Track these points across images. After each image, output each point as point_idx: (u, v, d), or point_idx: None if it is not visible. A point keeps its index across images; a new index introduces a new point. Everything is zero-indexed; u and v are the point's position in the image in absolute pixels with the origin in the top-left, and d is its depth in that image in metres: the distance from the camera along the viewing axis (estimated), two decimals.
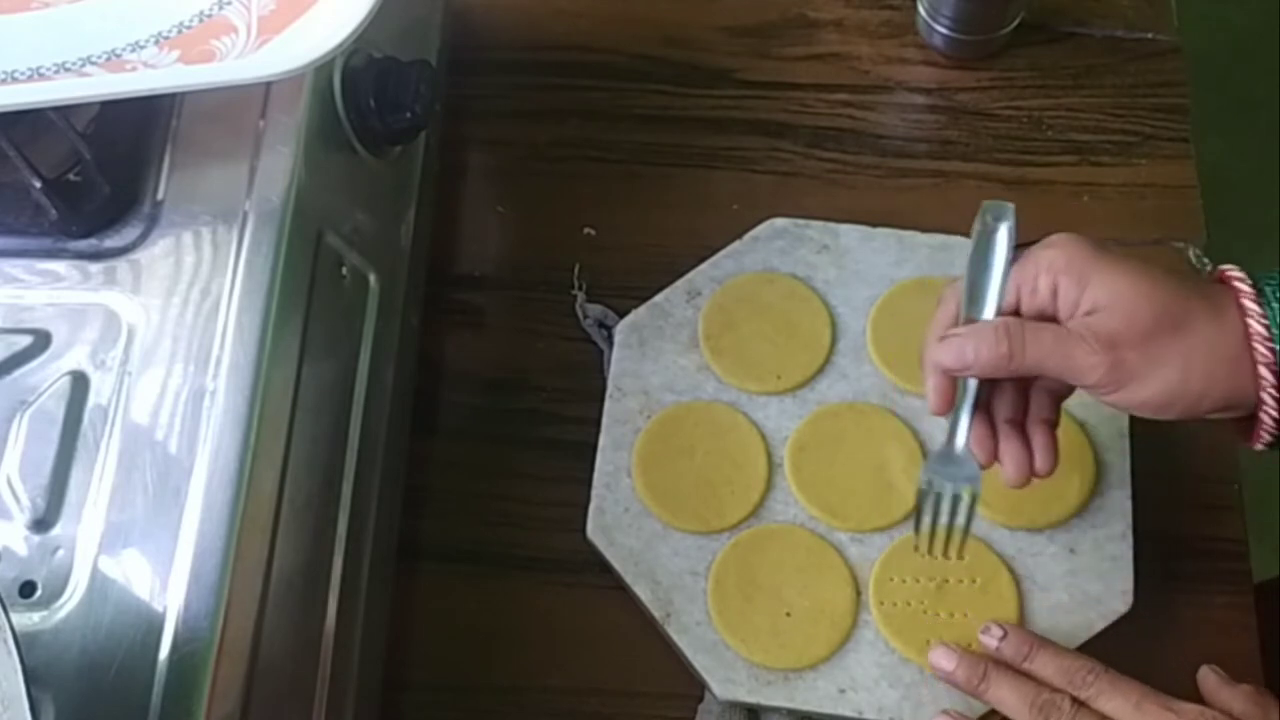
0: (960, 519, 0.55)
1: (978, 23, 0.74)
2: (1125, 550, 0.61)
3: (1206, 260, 0.70)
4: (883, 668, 0.59)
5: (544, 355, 0.69)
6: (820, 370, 0.65)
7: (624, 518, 0.62)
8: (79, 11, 0.55)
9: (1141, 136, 0.74)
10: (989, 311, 0.51)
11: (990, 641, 0.56)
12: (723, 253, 0.68)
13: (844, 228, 0.69)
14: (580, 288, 0.70)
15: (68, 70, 0.52)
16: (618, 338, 0.66)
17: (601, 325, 0.69)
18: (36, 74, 0.52)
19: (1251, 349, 0.49)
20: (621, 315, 0.67)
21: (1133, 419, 0.63)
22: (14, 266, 0.53)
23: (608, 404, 0.65)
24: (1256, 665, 0.61)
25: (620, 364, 0.66)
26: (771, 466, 0.63)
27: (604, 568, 0.62)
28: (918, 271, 0.67)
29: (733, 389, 0.65)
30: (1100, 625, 0.59)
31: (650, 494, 0.62)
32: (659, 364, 0.66)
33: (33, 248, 0.54)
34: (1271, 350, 0.49)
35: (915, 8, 0.76)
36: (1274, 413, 0.50)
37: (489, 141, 0.76)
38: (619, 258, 0.71)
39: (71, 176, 0.54)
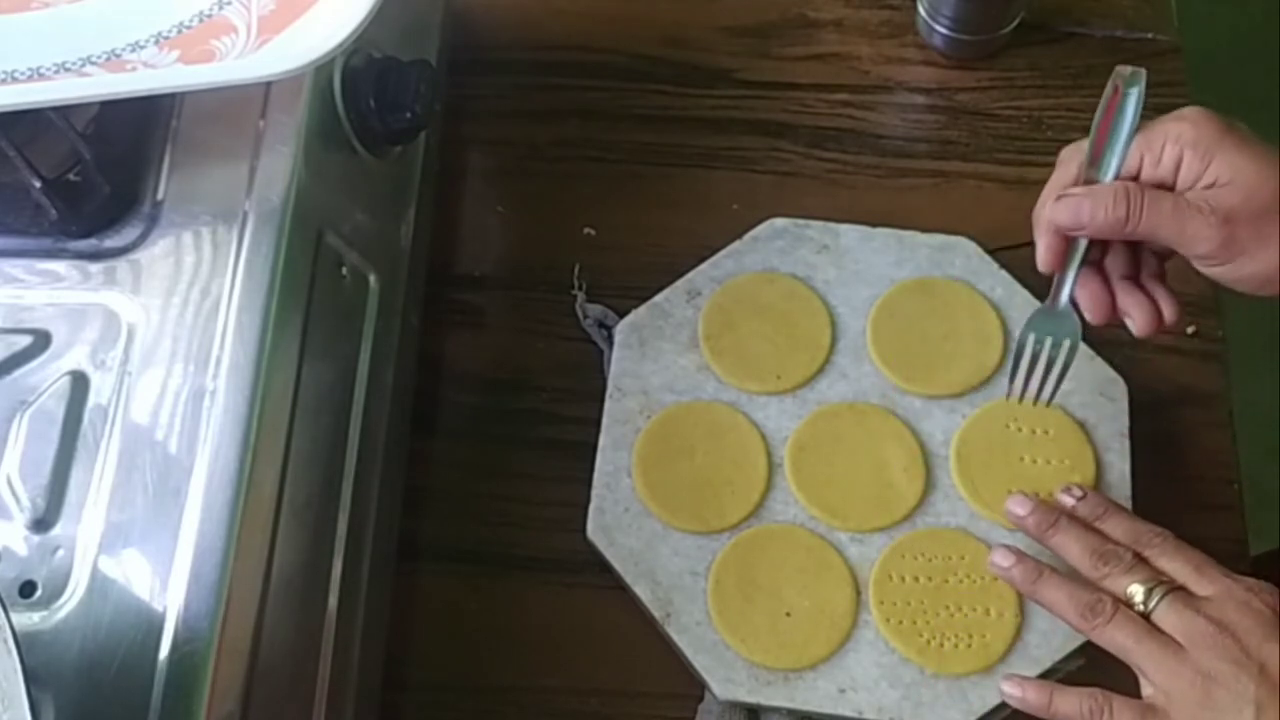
0: (1057, 369, 0.57)
1: (978, 23, 0.74)
2: None
3: None
4: (883, 668, 0.59)
5: (544, 355, 0.69)
6: (820, 370, 0.65)
7: (624, 518, 0.62)
8: (79, 11, 0.55)
9: None
10: (1109, 175, 0.53)
11: (1068, 499, 0.58)
12: (723, 253, 0.68)
13: (844, 228, 0.69)
14: (580, 288, 0.70)
15: (68, 70, 0.52)
16: (618, 338, 0.66)
17: (601, 325, 0.68)
18: (36, 74, 0.52)
19: None
20: (621, 315, 0.67)
21: (1132, 420, 0.63)
22: (14, 266, 0.53)
23: (608, 404, 0.65)
24: None
25: (620, 364, 0.66)
26: (771, 466, 0.63)
27: (604, 568, 0.62)
28: (918, 271, 0.67)
29: (733, 389, 0.65)
30: None
31: (650, 494, 0.62)
32: (659, 364, 0.66)
33: (33, 248, 0.54)
34: None
35: (915, 8, 0.76)
36: None
37: (489, 141, 0.76)
38: (619, 258, 0.71)
39: (71, 176, 0.54)
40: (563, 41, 0.78)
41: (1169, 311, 0.55)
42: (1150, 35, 0.77)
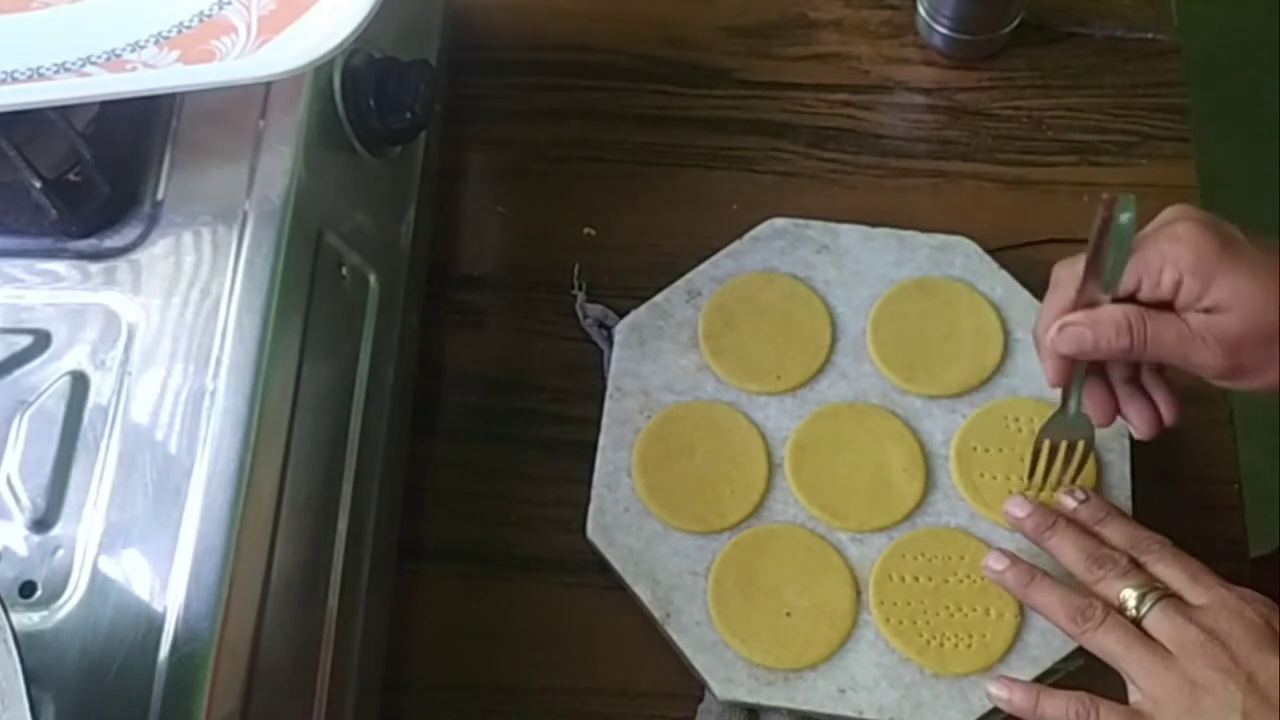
0: (1074, 465, 0.59)
1: (978, 23, 0.74)
2: None
3: None
4: (883, 668, 0.59)
5: (544, 355, 0.69)
6: (820, 370, 0.65)
7: (624, 518, 0.62)
8: (79, 11, 0.55)
9: (1141, 136, 0.74)
10: (1107, 298, 0.54)
11: (1070, 502, 0.58)
12: (723, 253, 0.68)
13: (844, 228, 0.69)
14: (580, 288, 0.70)
15: (68, 70, 0.52)
16: (618, 338, 0.66)
17: (601, 325, 0.68)
18: (36, 74, 0.52)
19: None
20: (621, 315, 0.67)
21: None
22: (14, 266, 0.53)
23: (608, 404, 0.65)
24: None
25: (620, 364, 0.66)
26: (771, 466, 0.63)
27: (604, 568, 0.62)
28: (918, 271, 0.67)
29: (733, 389, 0.65)
30: None
31: (650, 494, 0.62)
32: (659, 364, 0.66)
33: (33, 248, 0.54)
34: None
35: (915, 8, 0.76)
36: None
37: (489, 141, 0.76)
38: (619, 258, 0.71)
39: (71, 176, 0.54)
40: (563, 41, 0.78)
41: (1168, 414, 0.57)
42: (1150, 35, 0.77)
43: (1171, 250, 0.52)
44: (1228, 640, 0.50)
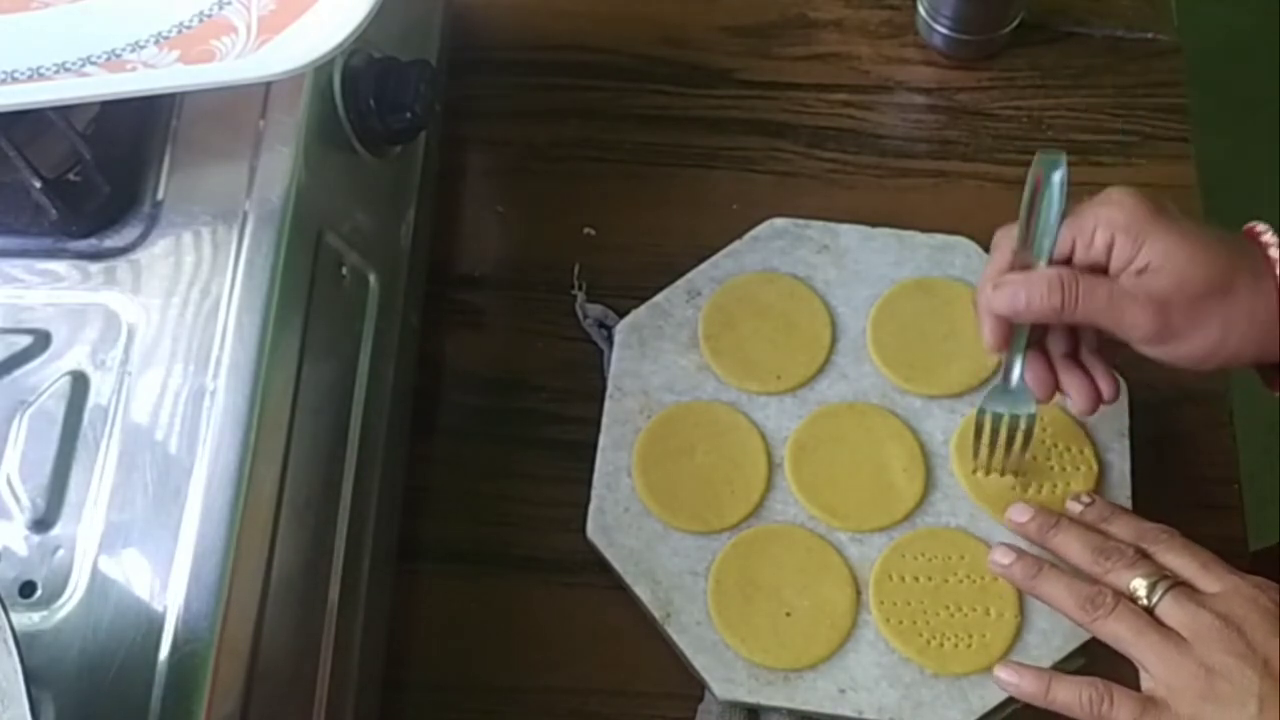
0: (1016, 444, 0.59)
1: (978, 23, 0.74)
2: None
3: None
4: (883, 668, 0.59)
5: (544, 355, 0.69)
6: (820, 370, 0.65)
7: (624, 518, 0.62)
8: (79, 11, 0.55)
9: (1141, 136, 0.74)
10: (1043, 259, 0.54)
11: (1075, 506, 0.59)
12: (723, 253, 0.68)
13: (844, 228, 0.69)
14: (580, 288, 0.70)
15: (68, 70, 0.52)
16: (618, 338, 0.66)
17: (601, 325, 0.68)
18: (36, 74, 0.52)
19: None
20: (621, 315, 0.67)
21: (1132, 420, 0.63)
22: (14, 266, 0.53)
23: (608, 404, 0.65)
24: None
25: (620, 364, 0.66)
26: (771, 466, 0.63)
27: (604, 568, 0.62)
28: (918, 271, 0.67)
29: (733, 389, 0.65)
30: None
31: (650, 494, 0.62)
32: (659, 364, 0.66)
33: (33, 248, 0.54)
34: None
35: (915, 8, 0.76)
36: None
37: (489, 141, 0.76)
38: (619, 258, 0.71)
39: (71, 176, 0.54)
40: (563, 41, 0.78)
41: (1106, 389, 0.57)
42: (1150, 35, 0.77)
43: (1105, 212, 0.53)
44: (1243, 626, 0.50)
